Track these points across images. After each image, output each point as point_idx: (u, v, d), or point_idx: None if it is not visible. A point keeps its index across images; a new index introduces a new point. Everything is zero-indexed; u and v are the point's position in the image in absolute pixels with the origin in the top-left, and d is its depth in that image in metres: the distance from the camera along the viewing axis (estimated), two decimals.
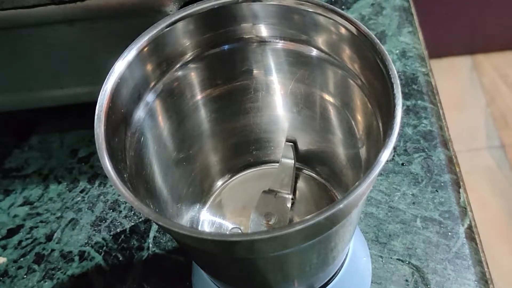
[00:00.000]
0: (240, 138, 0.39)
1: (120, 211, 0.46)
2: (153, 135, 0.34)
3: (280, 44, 0.34)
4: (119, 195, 0.47)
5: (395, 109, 0.27)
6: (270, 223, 0.38)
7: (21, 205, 0.48)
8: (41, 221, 0.46)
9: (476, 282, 0.40)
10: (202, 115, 0.37)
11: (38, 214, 0.47)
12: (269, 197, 0.39)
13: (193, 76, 0.35)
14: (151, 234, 0.44)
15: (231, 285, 0.37)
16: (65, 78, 0.45)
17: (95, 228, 0.45)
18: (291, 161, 0.40)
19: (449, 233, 0.42)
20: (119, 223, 0.45)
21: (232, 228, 0.39)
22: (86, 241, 0.45)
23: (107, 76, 0.30)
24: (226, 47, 0.34)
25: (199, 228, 0.39)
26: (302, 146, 0.40)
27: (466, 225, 0.42)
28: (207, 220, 0.39)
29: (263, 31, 0.34)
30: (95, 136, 0.28)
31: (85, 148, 0.51)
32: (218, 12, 0.32)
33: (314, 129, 0.38)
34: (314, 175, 0.41)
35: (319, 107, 0.36)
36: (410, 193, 0.44)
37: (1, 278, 0.44)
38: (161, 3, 0.39)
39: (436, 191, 0.44)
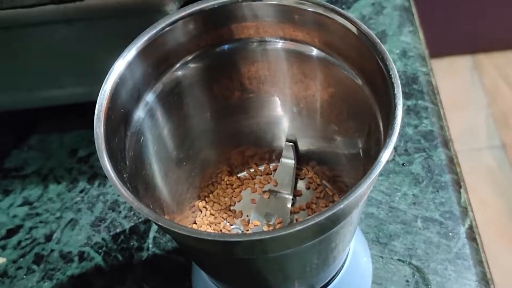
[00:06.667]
0: (240, 138, 0.39)
1: (120, 211, 0.46)
2: (153, 135, 0.34)
3: (280, 44, 0.34)
4: (118, 195, 0.46)
5: (395, 109, 0.27)
6: (270, 223, 0.38)
7: (20, 205, 0.48)
8: (41, 221, 0.46)
9: (477, 283, 0.39)
10: (202, 115, 0.37)
11: (37, 214, 0.47)
12: (269, 197, 0.39)
13: (193, 76, 0.35)
14: (151, 235, 0.44)
15: (231, 285, 0.37)
16: (65, 78, 0.45)
17: (95, 229, 0.45)
18: (291, 161, 0.40)
19: (450, 233, 0.42)
20: (118, 224, 0.45)
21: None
22: (85, 241, 0.45)
23: (107, 76, 0.30)
24: (226, 47, 0.34)
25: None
26: (302, 146, 0.40)
27: (467, 225, 0.42)
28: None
29: (263, 30, 0.34)
30: (95, 136, 0.28)
31: (84, 148, 0.51)
32: (218, 11, 0.32)
33: (314, 129, 0.38)
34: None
35: (319, 107, 0.36)
36: (411, 193, 0.44)
37: (1, 279, 0.44)
38: (161, 2, 0.39)
39: (437, 191, 0.44)
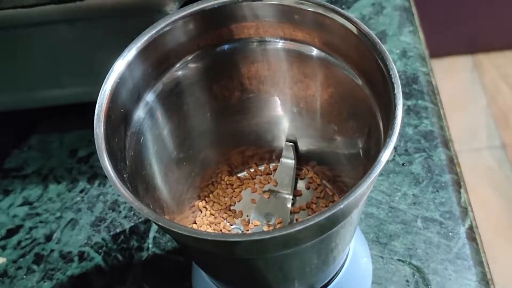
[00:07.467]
0: (240, 138, 0.39)
1: (120, 211, 0.46)
2: (153, 135, 0.34)
3: (280, 44, 0.34)
4: (118, 195, 0.46)
5: (395, 109, 0.27)
6: (270, 223, 0.38)
7: (20, 205, 0.48)
8: (41, 221, 0.46)
9: (477, 283, 0.39)
10: (202, 115, 0.37)
11: (37, 214, 0.47)
12: (269, 197, 0.39)
13: (193, 76, 0.35)
14: (151, 235, 0.44)
15: (231, 285, 0.37)
16: (65, 78, 0.45)
17: (95, 229, 0.45)
18: (291, 161, 0.40)
19: (450, 234, 0.42)
20: (118, 224, 0.45)
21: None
22: (85, 241, 0.45)
23: (107, 76, 0.30)
24: (226, 46, 0.34)
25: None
26: (302, 146, 0.40)
27: (467, 226, 0.42)
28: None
29: (263, 30, 0.34)
30: (95, 136, 0.28)
31: (84, 148, 0.51)
32: (218, 11, 0.32)
33: (314, 129, 0.38)
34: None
35: (319, 107, 0.36)
36: (411, 193, 0.44)
37: (1, 279, 0.44)
38: (161, 2, 0.39)
39: (437, 191, 0.44)
